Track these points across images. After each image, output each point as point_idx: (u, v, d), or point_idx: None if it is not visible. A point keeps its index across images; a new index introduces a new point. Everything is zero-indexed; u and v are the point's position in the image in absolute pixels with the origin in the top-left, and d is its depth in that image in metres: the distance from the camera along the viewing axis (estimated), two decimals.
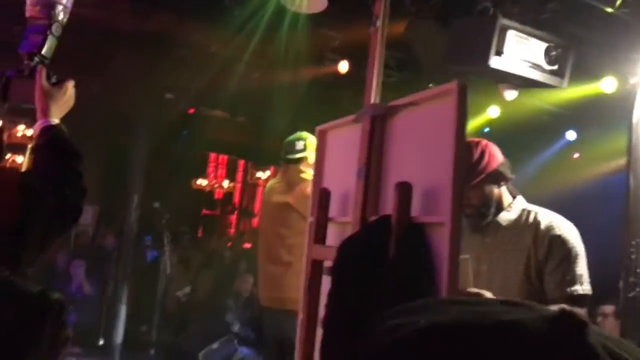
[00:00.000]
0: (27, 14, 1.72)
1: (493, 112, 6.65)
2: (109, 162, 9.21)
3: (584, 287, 1.86)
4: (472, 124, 7.11)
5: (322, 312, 1.88)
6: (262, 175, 12.42)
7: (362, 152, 1.75)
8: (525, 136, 7.64)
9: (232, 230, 14.46)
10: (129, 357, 5.36)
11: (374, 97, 1.80)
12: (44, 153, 1.64)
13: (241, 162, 14.27)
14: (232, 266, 7.03)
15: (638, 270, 2.54)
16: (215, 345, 5.23)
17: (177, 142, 10.04)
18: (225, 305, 5.91)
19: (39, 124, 1.67)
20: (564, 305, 1.79)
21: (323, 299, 1.89)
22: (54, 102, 1.68)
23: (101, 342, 5.64)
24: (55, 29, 1.71)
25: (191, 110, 8.94)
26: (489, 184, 2.00)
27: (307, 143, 3.43)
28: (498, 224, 1.99)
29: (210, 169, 13.56)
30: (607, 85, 5.29)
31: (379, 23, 1.82)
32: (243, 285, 5.98)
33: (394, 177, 1.67)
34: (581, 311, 1.85)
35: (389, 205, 1.67)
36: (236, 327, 5.69)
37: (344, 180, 1.92)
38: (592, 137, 7.23)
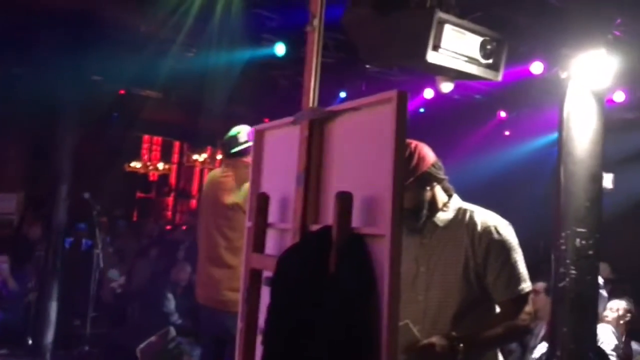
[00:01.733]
0: None
1: (428, 93, 6.73)
2: (34, 147, 8.74)
3: (527, 284, 1.90)
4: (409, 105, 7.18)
5: (261, 322, 1.83)
6: (199, 157, 12.17)
7: (301, 158, 1.69)
8: (459, 115, 7.82)
9: (169, 213, 14.16)
10: (62, 356, 5.12)
11: (311, 100, 1.73)
12: None
13: (176, 144, 13.93)
14: (170, 253, 6.85)
15: (567, 261, 2.63)
16: (153, 339, 5.09)
17: (108, 124, 9.67)
18: (163, 295, 5.75)
19: None
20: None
21: (263, 308, 1.85)
22: None
23: (30, 342, 5.35)
24: None
25: (122, 91, 8.62)
26: (419, 187, 1.95)
27: (250, 133, 3.34)
28: (435, 225, 1.98)
29: (144, 150, 13.14)
30: (535, 68, 5.47)
31: (315, 22, 1.75)
32: (180, 275, 5.83)
33: (334, 185, 1.63)
34: (529, 307, 1.89)
35: (330, 213, 1.63)
36: (174, 318, 5.57)
37: (283, 184, 1.85)
38: (522, 116, 7.48)
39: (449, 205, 1.99)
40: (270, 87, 7.83)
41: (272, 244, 1.88)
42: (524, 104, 7.09)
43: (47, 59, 5.91)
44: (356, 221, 1.49)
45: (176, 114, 9.90)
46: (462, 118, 7.89)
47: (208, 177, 3.58)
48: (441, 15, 2.31)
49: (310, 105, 1.74)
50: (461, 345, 1.76)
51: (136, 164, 11.96)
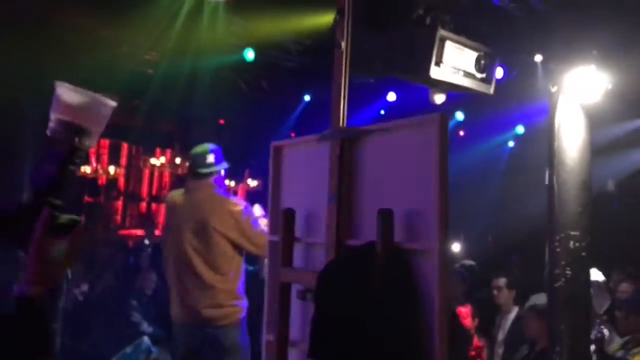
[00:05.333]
0: None
1: (391, 96, 6.90)
2: None
3: None
4: (371, 108, 7.34)
5: (294, 334, 1.89)
6: (156, 161, 11.95)
7: (333, 176, 1.75)
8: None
9: (119, 217, 13.79)
10: None
11: (341, 119, 1.80)
12: None
13: (124, 145, 13.56)
14: (134, 261, 6.72)
15: (563, 263, 2.82)
16: (128, 350, 5.00)
17: None
18: (129, 304, 5.64)
19: None
20: None
21: (293, 321, 1.90)
22: None
23: None
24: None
25: None
26: None
27: (217, 155, 3.31)
28: None
29: (91, 154, 12.74)
30: (497, 73, 5.72)
31: (343, 45, 1.82)
32: (146, 282, 5.73)
33: (368, 201, 1.70)
34: None
35: (363, 229, 1.70)
36: (144, 327, 5.48)
37: (308, 199, 1.91)
38: (477, 118, 7.76)
39: None
40: (229, 89, 7.79)
41: (299, 258, 1.93)
42: (481, 106, 7.35)
43: (7, 62, 5.72)
44: (396, 236, 1.57)
45: (125, 116, 9.68)
46: None
47: (174, 194, 3.48)
48: (442, 32, 2.42)
49: (340, 124, 1.81)
50: None
51: (86, 169, 11.60)
